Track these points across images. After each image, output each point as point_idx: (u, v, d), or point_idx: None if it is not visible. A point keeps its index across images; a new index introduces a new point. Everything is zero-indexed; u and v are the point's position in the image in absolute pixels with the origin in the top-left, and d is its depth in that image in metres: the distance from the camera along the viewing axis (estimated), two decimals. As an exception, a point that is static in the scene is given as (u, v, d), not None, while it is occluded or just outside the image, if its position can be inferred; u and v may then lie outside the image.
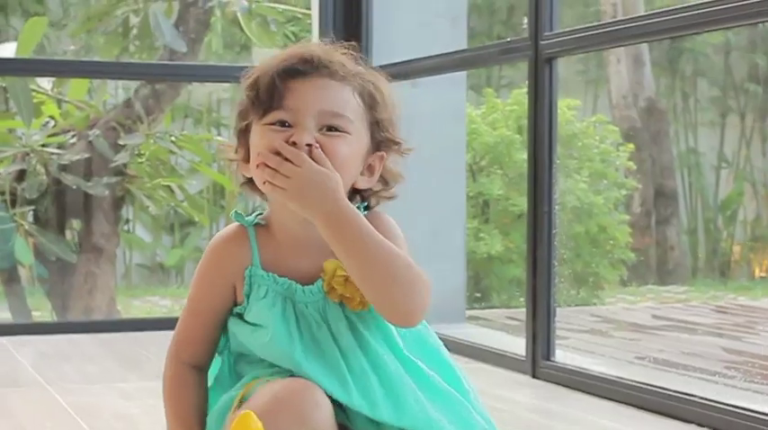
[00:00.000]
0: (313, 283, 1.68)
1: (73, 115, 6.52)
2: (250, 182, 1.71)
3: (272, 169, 1.60)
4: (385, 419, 1.63)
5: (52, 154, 6.31)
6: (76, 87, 6.53)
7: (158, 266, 9.56)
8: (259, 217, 1.73)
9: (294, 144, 1.61)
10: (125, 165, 6.38)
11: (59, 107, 6.55)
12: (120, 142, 6.31)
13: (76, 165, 6.35)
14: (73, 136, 6.40)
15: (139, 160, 6.38)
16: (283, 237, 1.70)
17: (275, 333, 1.66)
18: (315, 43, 1.76)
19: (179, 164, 6.85)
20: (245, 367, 1.73)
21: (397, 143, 1.72)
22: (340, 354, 1.65)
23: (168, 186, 6.44)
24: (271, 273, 1.68)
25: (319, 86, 1.64)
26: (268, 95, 1.64)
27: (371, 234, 1.60)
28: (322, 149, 1.61)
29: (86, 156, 6.35)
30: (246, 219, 1.73)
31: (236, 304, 1.73)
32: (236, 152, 1.71)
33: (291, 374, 1.66)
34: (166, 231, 9.41)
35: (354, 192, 1.72)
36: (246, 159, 1.68)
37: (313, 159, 1.60)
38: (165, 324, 4.73)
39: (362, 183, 1.70)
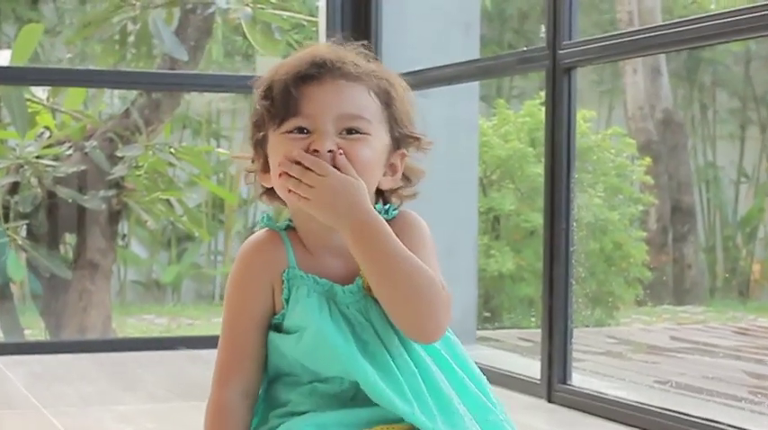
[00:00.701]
0: (350, 284, 1.65)
1: (69, 126, 6.45)
2: (268, 191, 1.69)
3: (296, 179, 1.58)
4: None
5: (47, 166, 6.23)
6: (72, 97, 6.46)
7: (154, 283, 9.46)
8: (288, 222, 1.70)
9: (315, 152, 1.59)
10: (122, 178, 6.28)
11: (54, 117, 6.47)
12: (118, 154, 6.21)
13: (72, 178, 6.26)
14: (69, 147, 6.32)
15: (137, 173, 6.27)
16: (311, 241, 1.67)
17: (327, 333, 1.61)
18: (324, 44, 1.71)
19: (177, 176, 6.77)
20: (282, 389, 1.68)
21: (417, 139, 1.70)
22: (389, 356, 1.62)
23: (167, 200, 6.35)
24: (311, 274, 1.65)
25: (335, 89, 1.62)
26: (283, 104, 1.62)
27: (396, 246, 1.58)
28: (344, 154, 1.60)
29: (82, 168, 6.27)
30: (277, 224, 1.69)
31: (273, 314, 1.67)
32: (253, 162, 1.69)
33: (335, 397, 1.63)
34: (163, 247, 9.31)
35: (378, 193, 1.70)
36: (265, 169, 1.67)
37: (336, 166, 1.58)
38: (162, 344, 4.80)
39: (386, 184, 1.69)
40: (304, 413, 1.63)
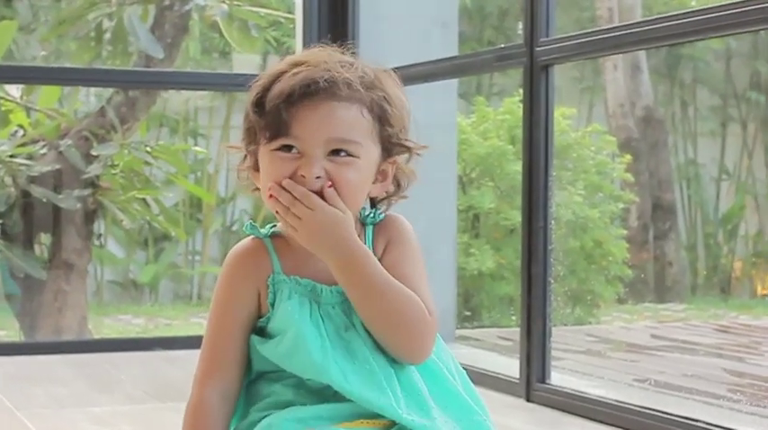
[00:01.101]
0: (336, 284, 1.68)
1: (43, 124, 6.37)
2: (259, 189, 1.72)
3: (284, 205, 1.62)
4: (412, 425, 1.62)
5: (21, 165, 6.13)
6: (47, 95, 6.39)
7: (131, 283, 9.38)
8: (273, 228, 1.74)
9: (303, 177, 1.62)
10: (98, 177, 6.21)
11: (29, 116, 6.39)
12: (93, 152, 6.13)
13: (46, 177, 6.17)
14: (43, 146, 6.22)
15: (113, 171, 6.21)
16: (298, 243, 1.68)
17: (305, 336, 1.64)
18: (317, 54, 1.68)
19: (153, 175, 6.72)
20: (264, 384, 1.71)
21: (409, 149, 1.72)
22: (369, 354, 1.65)
23: (143, 199, 6.29)
24: (293, 276, 1.68)
25: (326, 112, 1.63)
26: (274, 123, 1.64)
27: (382, 276, 1.63)
28: (331, 178, 1.63)
29: (57, 167, 6.17)
30: (261, 230, 1.73)
31: (259, 317, 1.71)
32: (245, 160, 1.72)
33: (319, 392, 1.66)
34: (140, 246, 9.25)
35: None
36: (256, 168, 1.70)
37: (323, 197, 1.62)
38: (139, 344, 4.77)
39: (376, 191, 1.72)
40: (286, 404, 1.65)
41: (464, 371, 1.75)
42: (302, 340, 1.63)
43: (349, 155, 1.64)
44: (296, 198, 1.61)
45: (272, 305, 1.69)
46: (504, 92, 9.70)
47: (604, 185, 7.69)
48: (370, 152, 1.67)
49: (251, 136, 1.68)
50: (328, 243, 1.62)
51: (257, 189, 1.72)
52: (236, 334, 1.70)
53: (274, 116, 1.63)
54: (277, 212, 1.64)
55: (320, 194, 1.62)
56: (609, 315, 8.22)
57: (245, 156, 1.72)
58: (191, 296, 9.41)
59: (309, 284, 1.67)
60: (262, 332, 1.70)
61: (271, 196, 1.63)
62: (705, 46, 10.36)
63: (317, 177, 1.62)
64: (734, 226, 10.46)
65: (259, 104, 1.65)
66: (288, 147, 1.63)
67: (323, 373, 1.62)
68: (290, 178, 1.62)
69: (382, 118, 1.67)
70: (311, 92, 1.62)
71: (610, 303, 7.98)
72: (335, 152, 1.63)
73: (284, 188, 1.62)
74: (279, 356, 1.66)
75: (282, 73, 1.66)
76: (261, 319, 1.70)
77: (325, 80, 1.63)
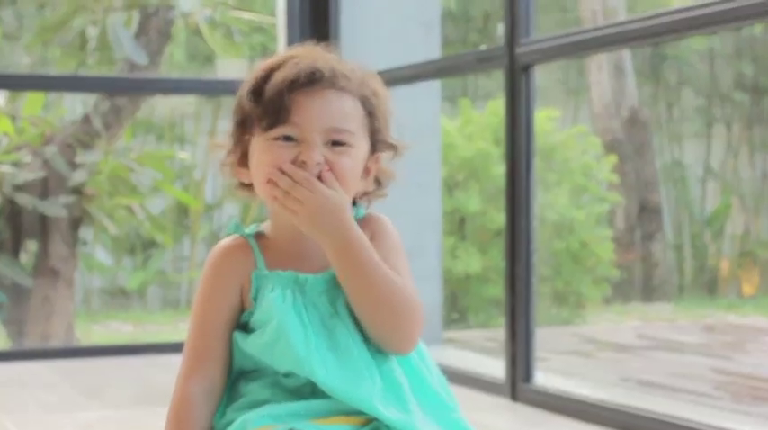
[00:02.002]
0: (319, 272, 1.70)
1: (28, 132, 6.37)
2: (242, 185, 1.73)
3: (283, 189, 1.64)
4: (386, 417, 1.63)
5: (6, 173, 6.13)
6: (32, 102, 6.41)
7: (119, 290, 9.37)
8: (257, 228, 1.75)
9: (303, 163, 1.64)
10: (83, 184, 6.19)
11: (13, 123, 6.39)
12: (78, 160, 6.12)
13: (32, 185, 6.20)
14: (28, 154, 6.21)
15: (98, 178, 6.20)
16: (285, 238, 1.72)
17: (287, 323, 1.65)
18: (312, 49, 1.73)
19: (140, 182, 6.71)
20: (243, 384, 1.72)
21: (394, 146, 1.75)
22: (352, 343, 1.67)
23: (129, 206, 6.29)
24: (274, 270, 1.70)
25: (325, 101, 1.66)
26: (274, 110, 1.65)
27: (376, 263, 1.65)
28: (329, 164, 1.65)
29: (42, 174, 6.19)
30: (245, 230, 1.75)
31: (242, 311, 1.72)
32: (229, 155, 1.73)
33: (296, 391, 1.67)
34: (128, 253, 9.24)
35: None
36: (241, 164, 1.71)
37: (322, 181, 1.64)
38: (127, 350, 4.73)
39: (359, 186, 1.73)
40: (262, 403, 1.66)
41: (443, 376, 1.76)
42: (284, 330, 1.65)
43: (345, 144, 1.67)
44: (296, 182, 1.63)
45: (255, 299, 1.70)
46: (490, 94, 9.71)
47: (590, 186, 7.69)
48: (361, 142, 1.70)
49: (243, 127, 1.70)
50: (328, 226, 1.63)
51: (241, 184, 1.73)
52: (220, 329, 1.71)
53: (274, 102, 1.65)
54: (275, 198, 1.65)
55: (318, 179, 1.64)
56: (596, 315, 8.21)
57: (230, 152, 1.73)
58: (179, 302, 9.39)
59: (291, 276, 1.69)
60: (245, 328, 1.71)
61: (269, 181, 1.64)
62: (689, 46, 10.39)
63: (318, 163, 1.64)
64: (720, 226, 10.46)
65: (256, 92, 1.67)
66: (286, 138, 1.65)
67: (303, 363, 1.63)
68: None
69: (371, 112, 1.71)
70: (315, 79, 1.66)
71: (597, 304, 7.99)
72: (332, 143, 1.66)
73: (284, 172, 1.63)
74: (261, 348, 1.68)
75: (280, 64, 1.68)
76: (244, 314, 1.71)
77: (327, 69, 1.67)
